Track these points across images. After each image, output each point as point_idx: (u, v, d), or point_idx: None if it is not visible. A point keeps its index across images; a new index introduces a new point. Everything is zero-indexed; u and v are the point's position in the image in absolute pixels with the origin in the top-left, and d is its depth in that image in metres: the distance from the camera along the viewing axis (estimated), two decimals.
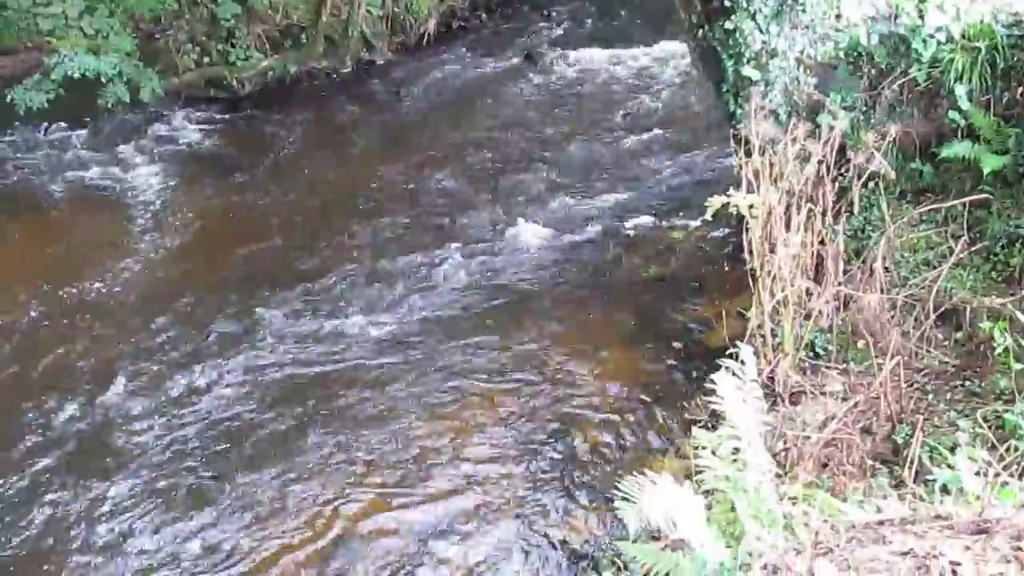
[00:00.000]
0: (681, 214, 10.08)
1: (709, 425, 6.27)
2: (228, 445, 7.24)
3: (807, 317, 6.84)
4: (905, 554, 2.67)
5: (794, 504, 3.85)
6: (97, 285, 9.42)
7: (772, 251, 6.72)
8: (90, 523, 6.60)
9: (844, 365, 6.86)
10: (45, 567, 6.28)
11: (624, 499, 3.96)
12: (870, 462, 5.85)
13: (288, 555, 6.25)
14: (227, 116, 13.74)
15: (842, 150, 7.25)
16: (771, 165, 6.77)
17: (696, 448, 4.29)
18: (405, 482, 6.77)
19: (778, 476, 4.67)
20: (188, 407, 7.64)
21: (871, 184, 7.40)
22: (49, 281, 9.43)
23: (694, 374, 7.49)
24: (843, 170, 7.24)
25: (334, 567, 6.14)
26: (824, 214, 6.94)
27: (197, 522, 6.55)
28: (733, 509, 3.84)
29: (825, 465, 5.86)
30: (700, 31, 8.52)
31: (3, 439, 7.37)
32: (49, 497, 6.81)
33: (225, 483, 6.88)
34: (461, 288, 9.13)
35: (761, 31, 7.77)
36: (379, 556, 6.17)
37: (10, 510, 6.71)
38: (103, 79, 12.09)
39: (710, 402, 4.43)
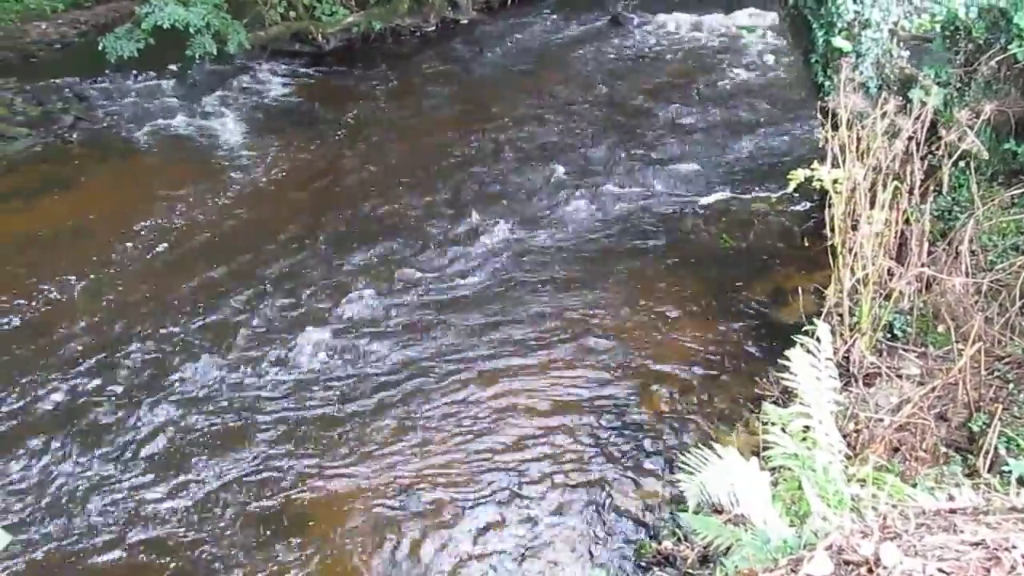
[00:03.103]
0: (762, 186, 9.94)
1: (780, 401, 6.21)
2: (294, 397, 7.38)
3: (887, 297, 6.69)
4: (976, 544, 2.60)
5: (863, 486, 3.79)
6: (179, 230, 9.63)
7: (854, 228, 6.58)
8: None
9: (922, 349, 6.71)
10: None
11: (687, 472, 3.94)
12: (943, 449, 5.73)
13: (362, 497, 6.37)
14: (311, 70, 13.91)
15: (933, 127, 7.03)
16: (858, 140, 6.60)
17: (766, 424, 4.24)
18: (469, 442, 6.82)
19: (848, 457, 4.59)
20: (263, 360, 7.78)
21: (962, 164, 7.18)
22: (134, 223, 9.68)
23: (767, 349, 7.40)
24: (933, 148, 7.02)
25: (402, 514, 6.22)
26: (911, 192, 6.76)
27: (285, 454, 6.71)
28: (800, 487, 3.79)
29: (897, 449, 5.75)
30: None
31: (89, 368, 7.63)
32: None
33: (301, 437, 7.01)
34: (533, 249, 9.12)
35: (855, 1, 7.55)
36: (441, 511, 6.24)
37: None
38: (191, 30, 12.34)
39: (782, 378, 4.37)
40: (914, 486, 4.24)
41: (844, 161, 6.53)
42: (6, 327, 8.21)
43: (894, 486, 3.76)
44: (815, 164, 6.38)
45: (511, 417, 7.02)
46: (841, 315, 6.74)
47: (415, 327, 8.07)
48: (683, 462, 4.05)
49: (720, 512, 4.89)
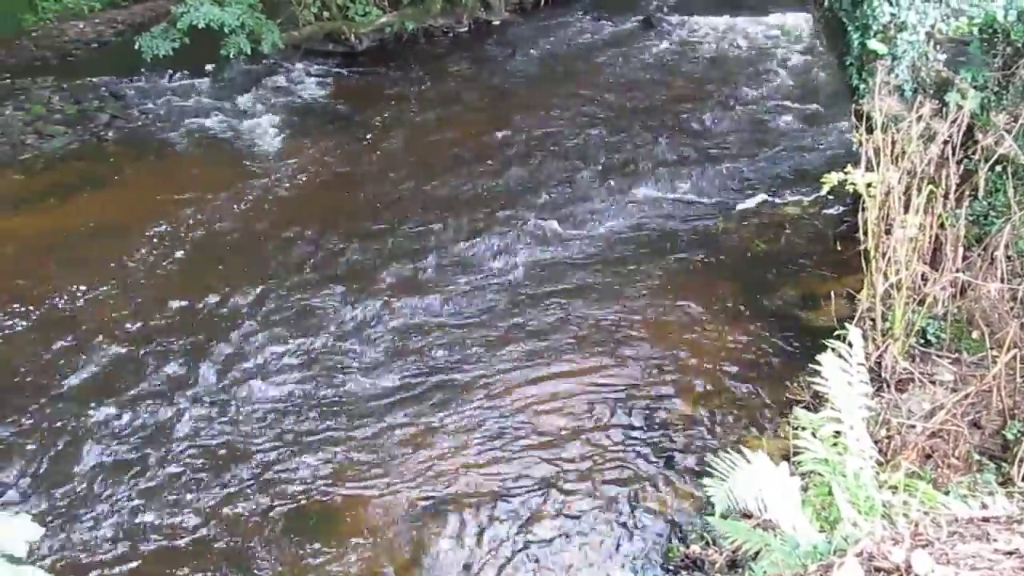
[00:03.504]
0: (795, 189, 9.86)
1: (811, 406, 6.16)
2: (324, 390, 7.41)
3: (920, 303, 6.62)
4: (1010, 554, 2.57)
5: (894, 493, 3.75)
6: (212, 230, 9.70)
7: (888, 232, 6.52)
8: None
9: (956, 355, 6.63)
10: None
11: (715, 477, 3.93)
12: (977, 457, 5.66)
13: (394, 499, 6.40)
14: (344, 71, 13.99)
15: (969, 131, 6.95)
16: (893, 143, 6.54)
17: (796, 428, 4.21)
18: (498, 446, 6.81)
19: (879, 463, 4.56)
20: (288, 365, 7.83)
21: (998, 168, 7.09)
22: (167, 222, 9.76)
23: (798, 353, 7.34)
24: (969, 152, 6.94)
25: (430, 516, 6.22)
26: (946, 197, 6.69)
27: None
28: (830, 493, 3.76)
29: (929, 456, 5.69)
30: (826, 1, 8.25)
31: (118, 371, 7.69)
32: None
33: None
34: (562, 253, 9.11)
35: (891, 3, 7.48)
36: (469, 513, 6.24)
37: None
38: (226, 30, 12.46)
39: (814, 383, 4.35)
40: (946, 494, 4.20)
41: (878, 165, 6.47)
42: (34, 325, 8.27)
43: (926, 493, 3.73)
44: (849, 167, 6.33)
45: (540, 421, 7.01)
46: (874, 320, 6.68)
47: (444, 332, 8.07)
48: (711, 466, 4.03)
49: (749, 516, 4.87)
